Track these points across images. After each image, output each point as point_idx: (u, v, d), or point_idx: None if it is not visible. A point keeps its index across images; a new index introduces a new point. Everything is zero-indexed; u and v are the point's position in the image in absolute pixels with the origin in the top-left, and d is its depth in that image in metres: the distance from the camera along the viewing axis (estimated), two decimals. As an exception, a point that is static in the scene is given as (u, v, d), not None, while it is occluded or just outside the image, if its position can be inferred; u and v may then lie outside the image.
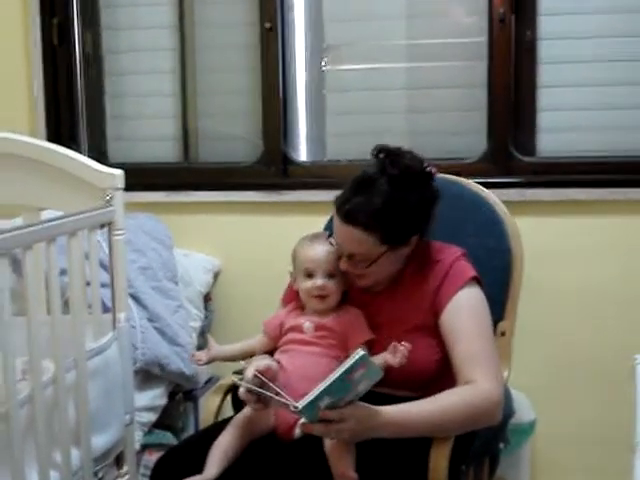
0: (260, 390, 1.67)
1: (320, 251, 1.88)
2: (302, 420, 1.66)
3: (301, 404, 1.54)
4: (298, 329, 1.89)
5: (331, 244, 1.87)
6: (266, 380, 1.67)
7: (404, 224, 1.80)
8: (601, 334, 2.66)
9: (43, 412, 1.84)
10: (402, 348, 1.68)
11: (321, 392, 1.53)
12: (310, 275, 1.88)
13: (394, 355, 1.69)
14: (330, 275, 1.87)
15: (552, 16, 2.68)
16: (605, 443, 2.64)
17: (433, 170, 1.86)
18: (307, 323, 1.88)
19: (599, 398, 2.66)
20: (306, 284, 1.88)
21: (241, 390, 1.74)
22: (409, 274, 1.89)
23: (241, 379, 1.74)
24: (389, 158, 1.81)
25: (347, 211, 1.78)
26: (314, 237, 1.93)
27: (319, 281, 1.86)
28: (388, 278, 1.89)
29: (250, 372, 1.71)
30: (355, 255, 1.81)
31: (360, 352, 1.53)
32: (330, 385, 1.53)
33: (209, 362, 1.96)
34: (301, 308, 1.93)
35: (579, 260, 2.67)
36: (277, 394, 1.62)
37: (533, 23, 2.67)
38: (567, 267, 2.67)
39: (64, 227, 1.95)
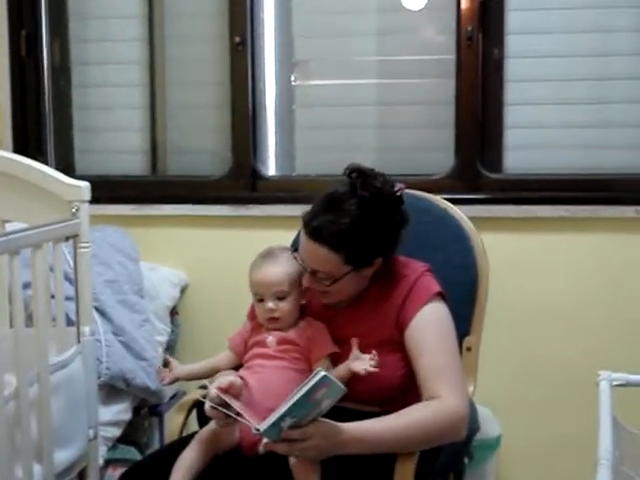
0: (223, 410, 1.66)
1: (267, 274, 1.86)
2: (265, 440, 1.66)
3: (263, 427, 1.54)
4: (262, 344, 1.88)
5: (295, 259, 1.87)
6: (228, 399, 1.67)
7: (369, 246, 1.80)
8: (566, 350, 2.68)
9: (5, 426, 1.81)
10: (368, 356, 1.68)
11: (282, 414, 1.53)
12: (260, 299, 1.87)
13: (358, 362, 1.68)
14: (280, 297, 1.85)
15: (519, 35, 2.71)
16: (570, 458, 2.65)
17: (403, 193, 1.85)
18: (270, 337, 1.87)
19: (564, 413, 2.68)
20: (258, 307, 1.88)
21: (206, 407, 1.73)
22: (373, 289, 1.90)
23: (204, 396, 1.74)
24: (361, 179, 1.80)
25: (314, 228, 1.78)
26: (263, 257, 1.89)
27: (268, 304, 1.85)
28: (351, 297, 1.90)
29: (213, 390, 1.70)
30: (318, 272, 1.81)
31: (321, 373, 1.52)
32: (291, 407, 1.53)
33: (172, 382, 1.94)
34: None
35: (545, 276, 2.69)
36: (239, 415, 1.62)
37: (500, 41, 2.70)
38: (533, 283, 2.69)
39: (28, 239, 1.93)
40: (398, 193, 1.83)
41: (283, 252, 1.91)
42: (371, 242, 1.80)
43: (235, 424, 1.74)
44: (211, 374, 1.94)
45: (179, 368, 1.92)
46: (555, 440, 2.70)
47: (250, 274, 1.89)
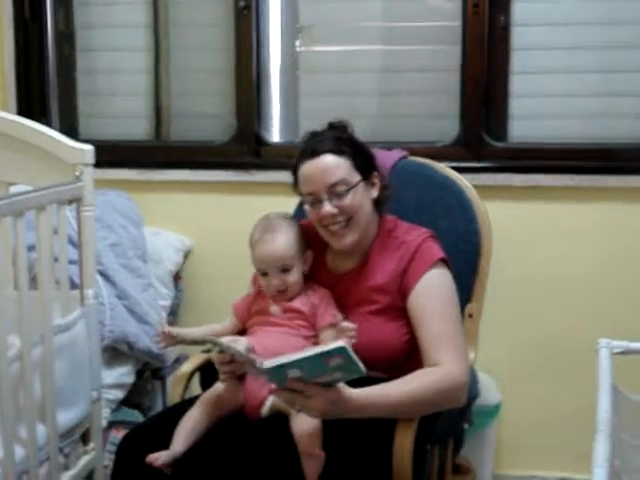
0: (231, 346, 1.66)
1: (270, 249, 1.86)
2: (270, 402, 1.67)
3: (268, 364, 1.53)
4: (266, 312, 1.89)
5: (295, 221, 1.91)
6: (234, 347, 1.67)
7: (364, 154, 1.91)
8: (567, 318, 2.69)
9: (9, 387, 1.83)
10: (349, 326, 1.70)
11: (291, 362, 1.52)
12: (264, 273, 1.87)
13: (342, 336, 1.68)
14: (284, 270, 1.86)
15: (525, 2, 2.68)
16: (570, 426, 2.67)
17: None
18: (274, 307, 1.88)
19: (565, 381, 2.69)
20: (263, 282, 1.89)
21: (213, 354, 1.75)
22: (376, 254, 1.91)
23: (208, 350, 1.74)
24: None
25: (314, 147, 1.87)
26: (263, 231, 1.89)
27: (274, 280, 1.86)
28: (361, 240, 1.89)
29: (226, 339, 1.73)
30: (335, 186, 1.83)
31: (341, 343, 1.51)
32: (302, 359, 1.52)
33: (172, 345, 1.94)
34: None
35: (547, 245, 2.69)
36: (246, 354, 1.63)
37: (507, 9, 2.68)
38: (535, 252, 2.70)
39: (32, 201, 1.94)
40: None
41: (282, 220, 1.91)
42: (362, 151, 1.91)
43: (239, 383, 1.75)
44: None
45: (179, 331, 1.93)
46: (555, 408, 2.72)
47: (252, 249, 1.89)
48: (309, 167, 1.86)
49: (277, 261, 1.85)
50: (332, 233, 1.87)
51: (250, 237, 1.91)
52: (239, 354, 1.64)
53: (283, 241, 1.86)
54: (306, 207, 1.89)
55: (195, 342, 1.95)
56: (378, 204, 1.94)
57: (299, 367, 1.53)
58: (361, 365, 1.54)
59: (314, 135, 1.94)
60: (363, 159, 1.90)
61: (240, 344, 1.73)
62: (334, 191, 1.84)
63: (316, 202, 1.85)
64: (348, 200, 1.84)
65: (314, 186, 1.85)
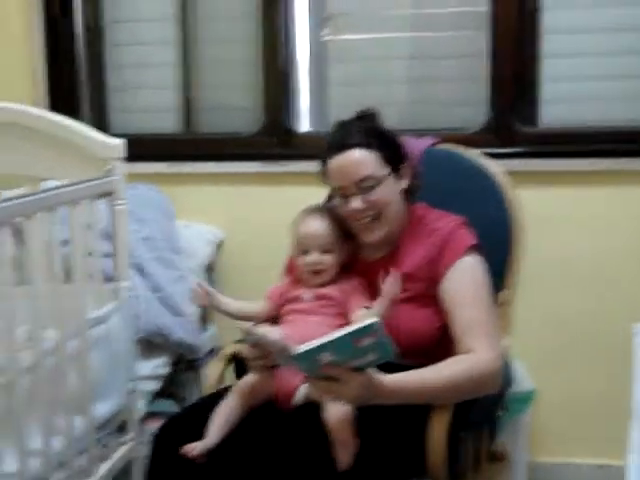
0: (265, 336, 1.66)
1: (314, 226, 1.89)
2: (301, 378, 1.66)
3: (298, 350, 1.51)
4: (298, 299, 1.90)
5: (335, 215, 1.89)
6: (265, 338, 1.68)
7: (393, 145, 1.89)
8: (601, 304, 2.67)
9: (45, 380, 1.85)
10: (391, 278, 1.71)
11: (321, 345, 1.49)
12: (305, 251, 1.89)
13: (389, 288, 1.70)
14: (325, 250, 1.88)
15: (556, -15, 2.66)
16: (604, 412, 2.65)
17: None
18: (306, 294, 1.89)
19: (599, 368, 2.67)
20: (301, 260, 1.90)
21: (244, 347, 1.77)
22: (406, 242, 1.90)
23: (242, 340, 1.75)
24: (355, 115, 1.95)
25: (341, 141, 1.86)
26: (310, 212, 1.93)
27: (313, 257, 1.87)
28: (391, 232, 1.89)
29: (260, 329, 1.75)
30: (363, 180, 1.83)
31: (373, 319, 1.49)
32: (333, 341, 1.49)
33: (203, 304, 1.95)
34: (302, 279, 1.94)
35: (580, 230, 2.67)
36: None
37: (537, -8, 2.65)
38: (569, 237, 2.67)
39: (64, 196, 1.96)
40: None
41: (324, 211, 1.94)
42: (391, 141, 1.89)
43: (271, 373, 1.77)
44: (244, 317, 1.96)
45: (215, 293, 1.94)
46: (589, 394, 2.70)
47: (297, 227, 1.91)
48: (337, 162, 1.86)
49: (320, 238, 1.88)
50: (361, 227, 1.88)
51: (294, 221, 1.93)
52: (272, 343, 1.64)
53: (328, 224, 1.90)
54: (336, 200, 1.90)
55: (227, 314, 1.97)
56: (409, 194, 1.93)
57: (331, 350, 1.51)
58: (393, 345, 1.53)
59: (342, 126, 1.93)
60: (392, 150, 1.89)
61: (274, 334, 1.74)
62: (362, 186, 1.84)
63: (345, 196, 1.86)
64: (376, 195, 1.84)
65: (342, 181, 1.86)
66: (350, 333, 1.49)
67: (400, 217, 1.91)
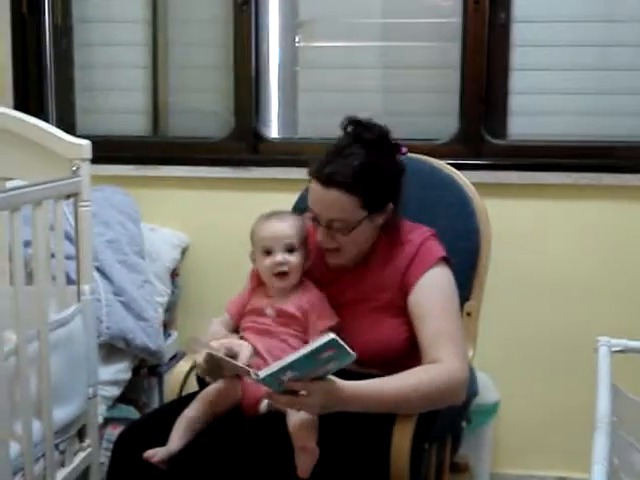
0: (224, 357, 1.67)
1: (277, 226, 1.87)
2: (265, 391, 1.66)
3: (262, 374, 1.54)
4: (260, 313, 1.87)
5: (301, 220, 1.87)
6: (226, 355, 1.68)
7: (381, 188, 1.83)
8: (566, 316, 2.69)
9: (4, 383, 1.82)
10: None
11: (284, 366, 1.52)
12: (268, 252, 1.86)
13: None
14: (289, 249, 1.85)
15: (526, -1, 2.68)
16: (568, 425, 2.67)
17: (401, 146, 1.90)
18: (269, 309, 1.86)
19: (563, 380, 2.69)
20: (265, 262, 1.86)
21: (199, 357, 1.75)
22: (378, 253, 1.90)
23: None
24: (361, 126, 1.85)
25: (328, 174, 1.78)
26: (270, 215, 1.90)
27: (278, 256, 1.84)
28: (359, 255, 1.89)
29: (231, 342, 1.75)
30: (335, 222, 1.81)
31: (330, 335, 1.51)
32: (295, 361, 1.52)
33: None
34: (263, 286, 1.91)
35: (546, 243, 2.69)
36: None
37: (507, 5, 2.67)
38: (534, 249, 2.69)
39: (29, 196, 1.92)
40: (394, 141, 1.88)
41: (287, 213, 1.93)
42: (382, 183, 1.82)
43: (237, 381, 1.75)
44: None
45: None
46: (553, 406, 2.71)
47: (257, 230, 1.89)
48: (317, 191, 1.82)
49: (283, 238, 1.85)
50: (326, 250, 1.88)
51: (253, 225, 1.90)
52: (235, 368, 1.66)
53: (290, 223, 1.87)
54: (307, 215, 1.88)
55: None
56: (384, 226, 1.90)
57: (293, 369, 1.53)
58: (351, 350, 1.54)
59: (339, 149, 1.82)
60: (378, 193, 1.82)
61: (245, 349, 1.74)
62: (331, 225, 1.82)
63: (316, 220, 1.85)
64: (343, 238, 1.83)
65: (315, 208, 1.83)
66: (311, 351, 1.51)
67: (370, 239, 1.89)
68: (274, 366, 1.54)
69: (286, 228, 1.86)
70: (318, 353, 1.52)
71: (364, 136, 1.82)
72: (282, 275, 1.85)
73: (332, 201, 1.79)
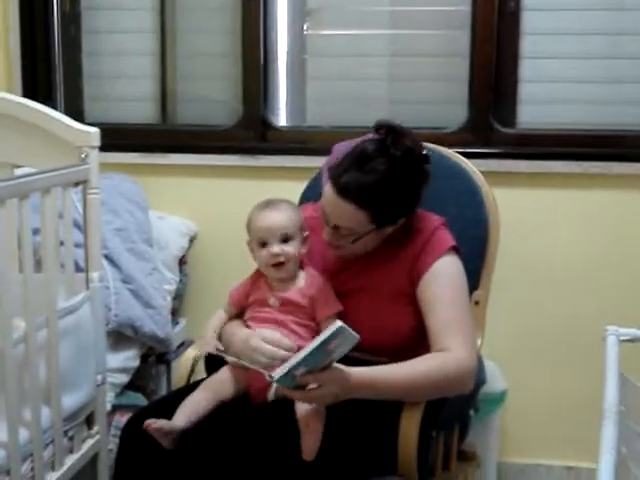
0: (237, 360, 1.70)
1: (271, 217, 1.84)
2: (275, 387, 1.67)
3: (276, 375, 1.55)
4: (264, 303, 1.87)
5: (296, 208, 1.89)
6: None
7: (396, 206, 1.80)
8: (574, 305, 2.68)
9: (13, 370, 1.82)
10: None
11: (296, 363, 1.53)
12: (264, 244, 1.85)
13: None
14: (285, 239, 1.83)
15: (537, -13, 2.66)
16: (575, 414, 2.67)
17: (429, 153, 1.83)
18: (272, 299, 1.85)
19: (570, 369, 2.69)
20: (261, 253, 1.85)
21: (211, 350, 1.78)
22: (388, 241, 1.89)
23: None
24: (392, 136, 1.78)
25: (343, 185, 1.75)
26: (265, 204, 1.88)
27: (274, 248, 1.83)
28: (367, 252, 1.88)
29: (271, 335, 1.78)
30: (341, 228, 1.81)
31: (337, 324, 1.51)
32: (306, 356, 1.52)
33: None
34: (265, 276, 1.91)
35: (555, 232, 2.68)
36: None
37: (517, -7, 2.65)
38: (543, 239, 2.68)
39: (37, 184, 1.92)
40: (425, 152, 1.82)
41: (282, 201, 1.89)
42: (397, 201, 1.79)
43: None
44: None
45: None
46: (561, 396, 2.71)
47: (252, 221, 1.87)
48: (328, 197, 1.80)
49: (278, 229, 1.83)
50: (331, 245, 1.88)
51: (249, 214, 1.89)
52: (245, 365, 1.69)
53: (284, 213, 1.85)
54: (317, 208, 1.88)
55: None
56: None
57: (304, 364, 1.54)
58: (354, 333, 1.54)
59: (357, 161, 1.76)
60: (392, 210, 1.80)
61: (285, 341, 1.77)
62: (339, 232, 1.82)
63: (325, 217, 1.84)
64: (349, 245, 1.83)
65: (326, 210, 1.82)
66: (320, 344, 1.52)
67: (377, 243, 1.87)
68: (286, 366, 1.54)
69: (281, 218, 1.84)
70: (327, 343, 1.52)
71: (390, 150, 1.75)
72: (279, 265, 1.84)
73: (342, 211, 1.77)
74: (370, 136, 1.83)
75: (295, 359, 1.54)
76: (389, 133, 1.79)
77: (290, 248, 1.84)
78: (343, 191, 1.75)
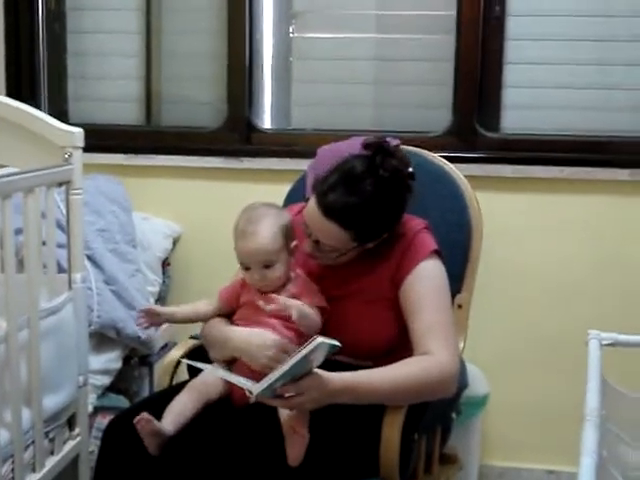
0: (216, 371, 1.70)
1: (252, 244, 1.79)
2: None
3: (256, 390, 1.53)
4: (254, 305, 1.85)
5: (284, 213, 1.88)
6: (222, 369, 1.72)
7: (379, 225, 1.81)
8: (557, 310, 2.69)
9: (-6, 370, 1.81)
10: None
11: (279, 377, 1.52)
12: (247, 268, 1.84)
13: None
14: (267, 265, 1.81)
15: (521, -8, 2.68)
16: (557, 417, 2.68)
17: (413, 171, 1.84)
18: (261, 302, 1.82)
19: (552, 373, 2.70)
20: (245, 275, 1.86)
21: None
22: (371, 247, 1.89)
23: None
24: (381, 156, 1.77)
25: (327, 205, 1.75)
26: (246, 223, 1.81)
27: (255, 275, 1.82)
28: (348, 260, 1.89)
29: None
30: (323, 245, 1.81)
31: (317, 340, 1.50)
32: (286, 371, 1.52)
33: (155, 324, 1.96)
34: None
35: (538, 237, 2.69)
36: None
37: (502, -2, 2.67)
38: (526, 243, 2.70)
39: (20, 183, 1.91)
40: (411, 170, 1.82)
41: (267, 210, 1.84)
42: (381, 221, 1.80)
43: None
44: (197, 320, 1.95)
45: (165, 311, 1.94)
46: (542, 400, 2.72)
47: (235, 242, 1.84)
48: (312, 214, 1.78)
49: (259, 257, 1.80)
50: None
51: (234, 227, 1.85)
52: (230, 378, 1.68)
53: (266, 235, 1.79)
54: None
55: (183, 322, 1.98)
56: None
57: (285, 377, 1.53)
58: (336, 342, 1.53)
59: (351, 177, 1.76)
60: (375, 229, 1.81)
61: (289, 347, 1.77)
62: (320, 247, 1.82)
63: (306, 228, 1.83)
64: (330, 259, 1.84)
65: (308, 223, 1.81)
66: (301, 358, 1.50)
67: (357, 255, 1.87)
68: (266, 380, 1.53)
69: (260, 245, 1.79)
70: (309, 357, 1.51)
71: (379, 172, 1.75)
72: (263, 286, 1.84)
73: (325, 229, 1.77)
74: (358, 146, 1.82)
75: (275, 374, 1.52)
76: (378, 152, 1.78)
77: (273, 272, 1.82)
78: (328, 211, 1.75)
